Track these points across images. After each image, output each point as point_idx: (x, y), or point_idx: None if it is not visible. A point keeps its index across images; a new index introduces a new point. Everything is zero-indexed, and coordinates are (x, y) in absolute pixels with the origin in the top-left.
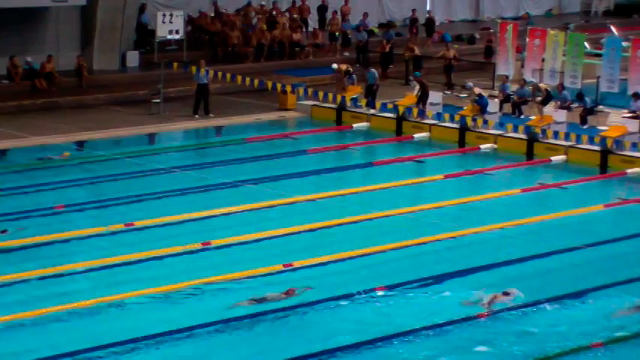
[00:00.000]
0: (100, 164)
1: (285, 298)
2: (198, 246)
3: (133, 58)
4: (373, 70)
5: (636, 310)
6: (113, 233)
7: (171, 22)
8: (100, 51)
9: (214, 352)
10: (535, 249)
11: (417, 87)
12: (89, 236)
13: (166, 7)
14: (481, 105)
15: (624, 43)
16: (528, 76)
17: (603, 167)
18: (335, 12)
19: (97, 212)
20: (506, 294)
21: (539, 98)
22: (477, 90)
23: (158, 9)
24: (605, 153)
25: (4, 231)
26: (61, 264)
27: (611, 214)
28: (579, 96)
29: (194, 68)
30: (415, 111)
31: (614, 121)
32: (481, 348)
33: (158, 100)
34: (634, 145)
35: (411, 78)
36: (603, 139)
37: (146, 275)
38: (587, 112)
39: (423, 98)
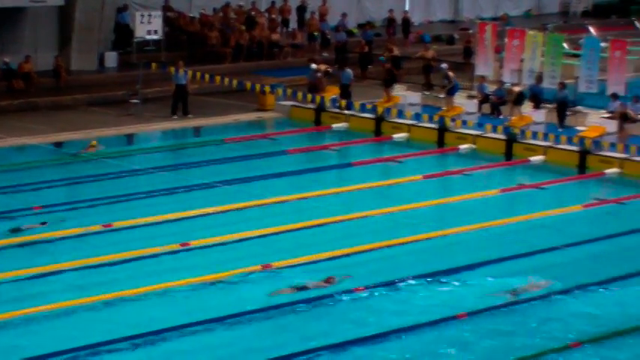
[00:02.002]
0: (78, 165)
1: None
2: (177, 247)
3: (111, 59)
4: (348, 70)
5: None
6: (91, 234)
7: (149, 23)
8: (77, 51)
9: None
10: (514, 249)
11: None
12: (67, 237)
13: (144, 7)
14: (452, 90)
15: (602, 44)
16: (507, 77)
17: (582, 168)
18: (313, 13)
19: (75, 213)
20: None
21: (517, 88)
22: (451, 74)
23: (137, 9)
24: (583, 153)
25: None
26: (39, 265)
27: (590, 215)
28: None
29: (172, 69)
30: (394, 112)
31: (592, 122)
32: (451, 351)
33: (136, 101)
34: (612, 146)
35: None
36: (582, 140)
37: (120, 276)
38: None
39: (389, 82)
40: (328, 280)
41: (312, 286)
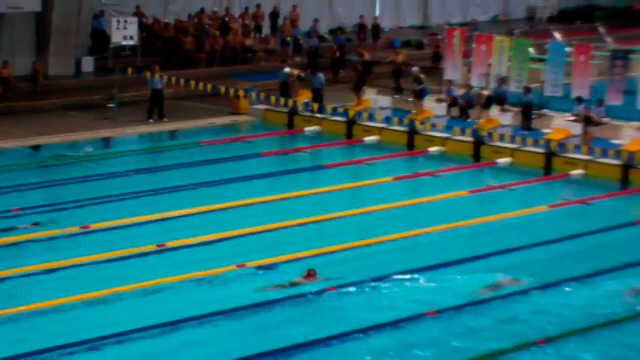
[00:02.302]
0: (57, 168)
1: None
2: (153, 247)
3: (87, 64)
4: (320, 74)
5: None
6: (68, 236)
7: (125, 29)
8: (55, 56)
9: None
10: (482, 249)
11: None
12: (44, 239)
13: (120, 13)
14: (421, 94)
15: (567, 49)
16: (475, 81)
17: (547, 169)
18: (286, 18)
19: (53, 215)
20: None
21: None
22: (422, 76)
23: (113, 15)
24: (549, 155)
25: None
26: (15, 267)
27: (556, 215)
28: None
29: (148, 73)
30: (365, 115)
31: (558, 124)
32: (417, 352)
33: (113, 105)
34: (577, 148)
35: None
36: (547, 142)
37: (93, 276)
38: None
39: (359, 84)
40: (309, 274)
41: (294, 284)
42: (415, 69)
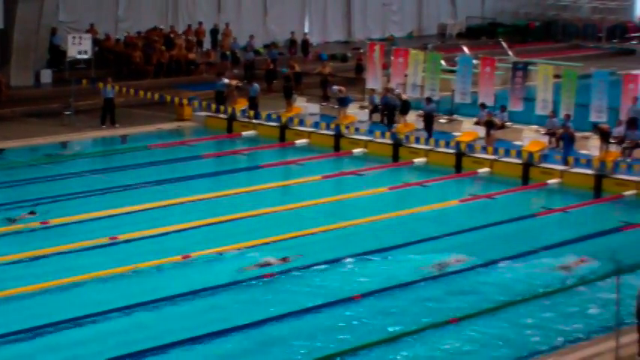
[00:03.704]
0: (19, 169)
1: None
2: (106, 240)
3: (46, 76)
4: (256, 84)
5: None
6: (31, 230)
7: (80, 44)
8: (16, 69)
9: None
10: (401, 239)
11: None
12: (8, 233)
13: (76, 30)
14: (345, 102)
15: (474, 61)
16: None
17: (458, 168)
18: (224, 34)
19: (14, 213)
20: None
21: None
22: (343, 89)
23: (68, 32)
24: (459, 155)
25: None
26: None
27: (465, 208)
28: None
29: (101, 84)
30: (296, 121)
31: (466, 128)
32: (357, 332)
33: (69, 113)
34: (483, 149)
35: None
36: (458, 144)
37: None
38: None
39: (290, 95)
40: (284, 260)
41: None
42: (335, 88)
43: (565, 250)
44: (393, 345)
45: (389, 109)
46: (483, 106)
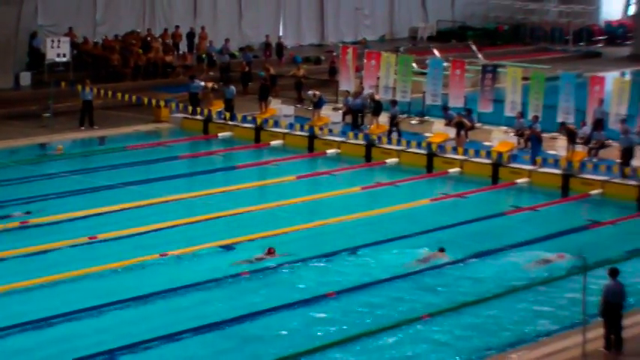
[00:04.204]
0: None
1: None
2: (85, 240)
3: (25, 78)
4: (232, 87)
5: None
6: (8, 230)
7: (58, 47)
8: None
9: None
10: (374, 238)
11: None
12: None
13: (54, 33)
14: (319, 104)
15: (445, 64)
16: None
17: (429, 168)
18: (201, 38)
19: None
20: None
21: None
22: (317, 92)
23: (47, 35)
24: (430, 156)
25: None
26: None
27: (436, 207)
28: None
29: (80, 87)
30: (271, 122)
31: (437, 129)
32: (332, 329)
33: (49, 114)
34: (454, 149)
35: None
36: (429, 144)
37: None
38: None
39: (265, 96)
40: (269, 251)
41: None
42: (310, 93)
43: (534, 248)
44: (368, 340)
45: (355, 111)
46: (446, 108)
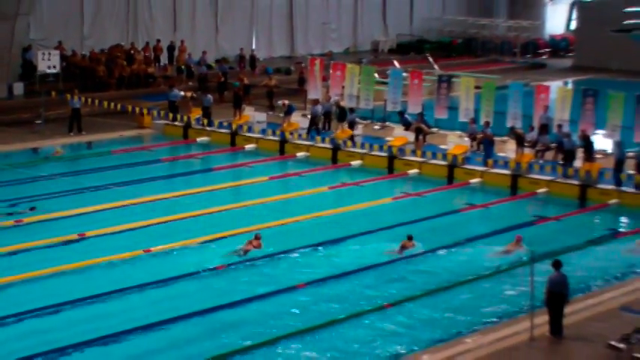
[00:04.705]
0: None
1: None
2: (75, 237)
3: (18, 88)
4: (209, 95)
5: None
6: (3, 229)
7: (49, 59)
8: None
9: None
10: (340, 233)
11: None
12: None
13: (45, 47)
14: (289, 111)
15: (404, 74)
16: (333, 100)
17: (390, 169)
18: (180, 50)
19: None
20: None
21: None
22: (286, 102)
23: (39, 49)
24: (391, 158)
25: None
26: None
27: (397, 205)
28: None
29: (68, 96)
30: (245, 128)
31: (397, 134)
32: (302, 318)
33: (40, 122)
34: (413, 152)
35: (280, 102)
36: (390, 148)
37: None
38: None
39: (239, 104)
40: (256, 237)
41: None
42: (279, 102)
43: (487, 241)
44: (334, 328)
45: (314, 118)
46: (401, 113)
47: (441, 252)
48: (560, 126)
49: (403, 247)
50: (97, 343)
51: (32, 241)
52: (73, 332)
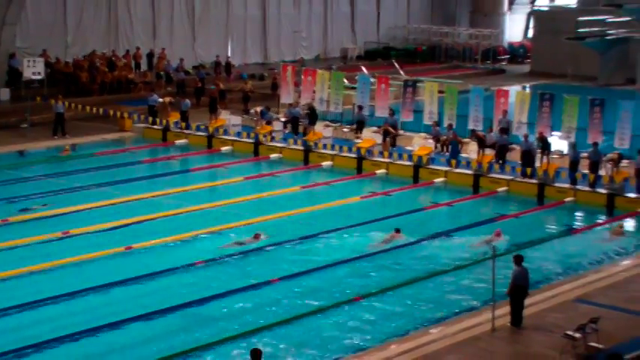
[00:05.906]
0: None
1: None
2: (59, 235)
3: (4, 94)
4: (187, 100)
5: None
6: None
7: (34, 66)
8: None
9: None
10: (311, 230)
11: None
12: None
13: (30, 54)
14: (265, 118)
15: (372, 79)
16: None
17: (359, 170)
18: (159, 57)
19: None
20: None
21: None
22: (258, 109)
23: (24, 56)
24: (360, 159)
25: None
26: None
27: (366, 204)
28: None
29: (53, 101)
30: (221, 131)
31: (366, 136)
32: (278, 310)
33: (26, 125)
34: (380, 153)
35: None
36: (358, 149)
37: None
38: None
39: (214, 108)
40: (256, 236)
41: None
42: (252, 111)
43: (451, 237)
44: (307, 320)
45: (294, 120)
46: (359, 108)
47: (408, 248)
48: (502, 130)
49: (391, 239)
50: (77, 337)
51: (18, 239)
52: (55, 326)
